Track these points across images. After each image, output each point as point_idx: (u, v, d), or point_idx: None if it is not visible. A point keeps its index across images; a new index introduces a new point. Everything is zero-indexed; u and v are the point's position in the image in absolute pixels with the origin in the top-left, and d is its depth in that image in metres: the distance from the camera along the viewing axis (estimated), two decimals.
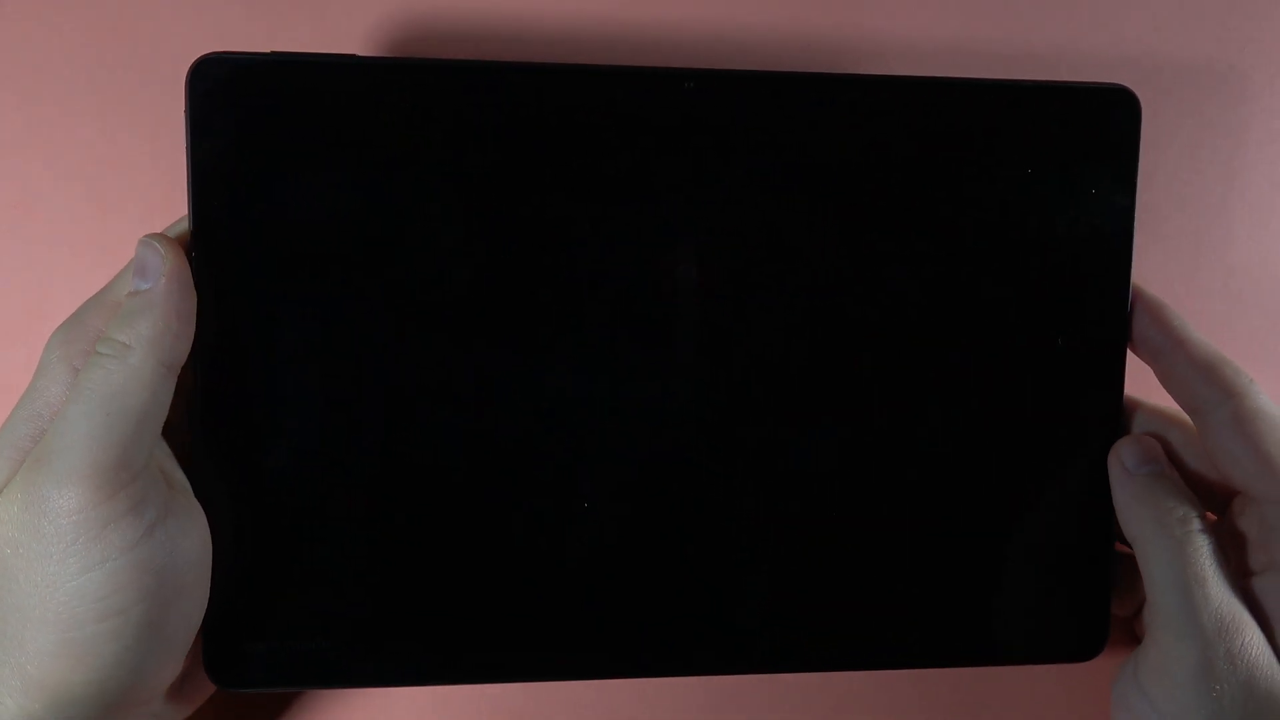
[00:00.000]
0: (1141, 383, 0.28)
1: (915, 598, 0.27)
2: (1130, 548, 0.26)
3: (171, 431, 0.25)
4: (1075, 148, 0.26)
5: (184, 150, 0.24)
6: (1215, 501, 0.27)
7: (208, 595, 0.24)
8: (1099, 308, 0.27)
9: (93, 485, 0.22)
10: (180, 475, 0.25)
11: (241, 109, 0.24)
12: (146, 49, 0.29)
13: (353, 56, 0.24)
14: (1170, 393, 0.27)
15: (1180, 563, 0.24)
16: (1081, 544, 0.28)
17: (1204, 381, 0.26)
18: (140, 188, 0.29)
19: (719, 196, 0.25)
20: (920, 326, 0.26)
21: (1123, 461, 0.27)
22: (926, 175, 0.26)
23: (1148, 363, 0.27)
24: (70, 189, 0.29)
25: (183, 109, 0.24)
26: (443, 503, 0.26)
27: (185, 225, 0.25)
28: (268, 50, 0.24)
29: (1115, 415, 0.27)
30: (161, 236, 0.24)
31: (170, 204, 0.29)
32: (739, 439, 0.26)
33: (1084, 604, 0.28)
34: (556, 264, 0.25)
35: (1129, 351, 0.27)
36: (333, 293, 0.25)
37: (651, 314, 0.26)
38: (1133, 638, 0.30)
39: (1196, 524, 0.25)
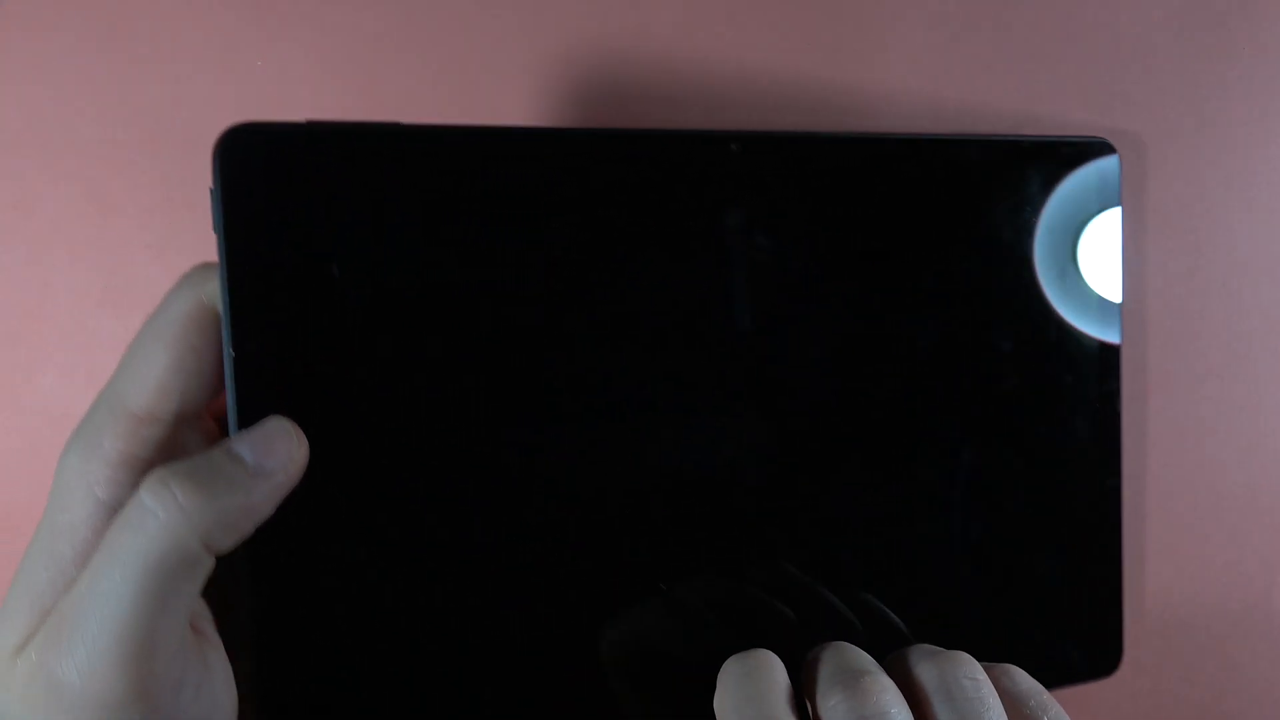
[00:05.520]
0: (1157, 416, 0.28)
1: (939, 623, 0.28)
2: None
3: None
4: (1061, 200, 0.28)
5: (210, 222, 0.22)
6: None
7: None
8: (1096, 346, 0.28)
9: (122, 670, 0.18)
10: (211, 627, 0.21)
11: (277, 182, 0.22)
12: (147, 48, 0.29)
13: (396, 125, 0.23)
14: None
15: None
16: (1091, 564, 0.28)
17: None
18: (140, 188, 0.29)
19: (761, 257, 0.25)
20: (939, 369, 0.27)
21: None
22: (940, 228, 0.27)
23: None
24: (70, 189, 0.29)
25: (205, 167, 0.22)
26: (503, 573, 0.24)
27: (211, 289, 0.22)
28: (303, 119, 0.22)
29: (1115, 444, 0.29)
30: (296, 428, 0.21)
31: (170, 204, 0.29)
32: (794, 495, 0.26)
33: (1097, 623, 0.29)
34: (605, 330, 0.25)
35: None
36: (377, 369, 0.23)
37: (704, 376, 0.25)
38: (1149, 653, 0.30)
39: None
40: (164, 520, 0.18)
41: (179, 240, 0.29)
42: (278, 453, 0.20)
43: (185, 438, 0.21)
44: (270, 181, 0.22)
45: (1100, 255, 0.28)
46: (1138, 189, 0.32)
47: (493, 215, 0.23)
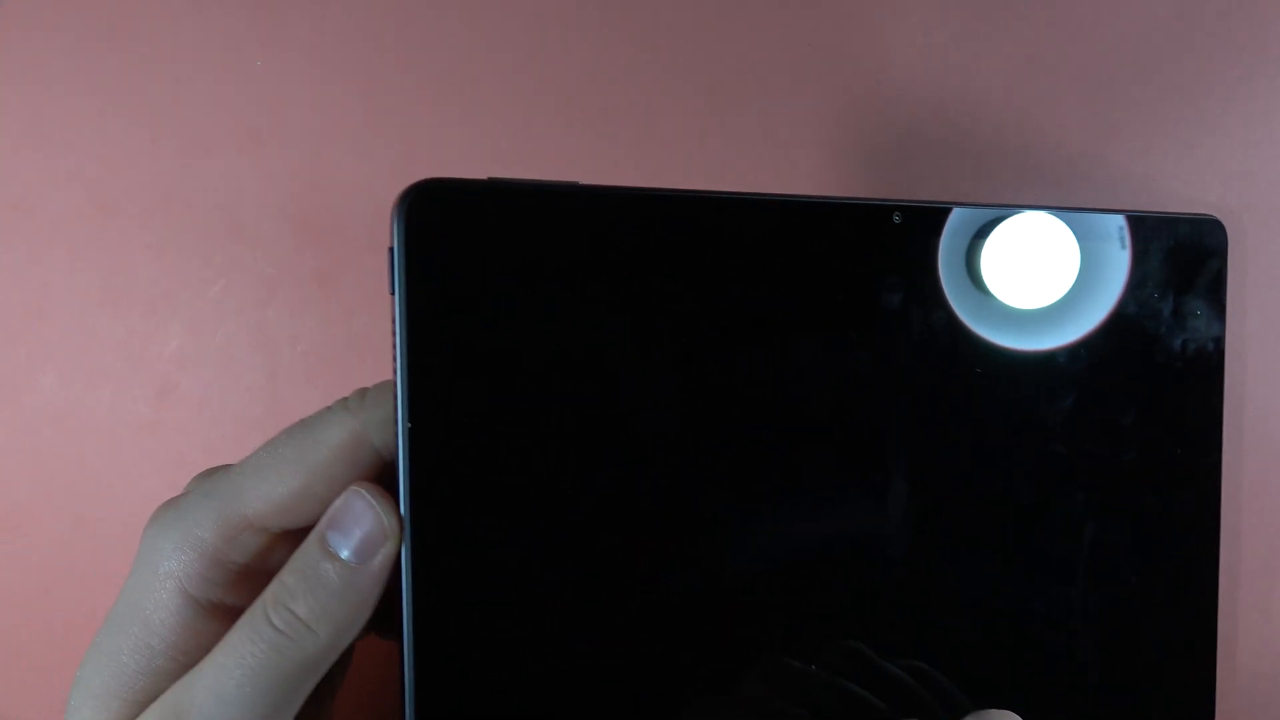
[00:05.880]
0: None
1: (1032, 690, 0.28)
2: None
3: None
4: (1170, 275, 0.28)
5: (387, 283, 0.21)
6: None
7: None
8: (1197, 427, 0.28)
9: None
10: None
11: (457, 240, 0.21)
12: (147, 48, 0.29)
13: (575, 185, 0.22)
14: None
15: None
16: (1186, 635, 0.29)
17: None
18: (140, 188, 0.29)
19: (925, 333, 0.25)
20: (1065, 442, 0.27)
21: None
22: (1079, 298, 0.27)
23: None
24: (70, 189, 0.29)
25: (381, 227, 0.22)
26: (645, 656, 0.23)
27: (367, 419, 0.21)
28: (485, 176, 0.22)
29: (1214, 518, 0.29)
30: (385, 495, 0.20)
31: (169, 204, 0.29)
32: (936, 570, 0.26)
33: (1187, 692, 0.29)
34: (775, 398, 0.24)
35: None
36: (555, 436, 0.22)
37: (859, 448, 0.25)
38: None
39: None
40: (295, 640, 0.19)
41: (179, 240, 0.29)
42: (371, 536, 0.20)
43: (279, 549, 0.21)
44: (451, 239, 0.21)
45: (1202, 328, 0.28)
46: (1139, 188, 0.32)
47: (650, 278, 0.23)
